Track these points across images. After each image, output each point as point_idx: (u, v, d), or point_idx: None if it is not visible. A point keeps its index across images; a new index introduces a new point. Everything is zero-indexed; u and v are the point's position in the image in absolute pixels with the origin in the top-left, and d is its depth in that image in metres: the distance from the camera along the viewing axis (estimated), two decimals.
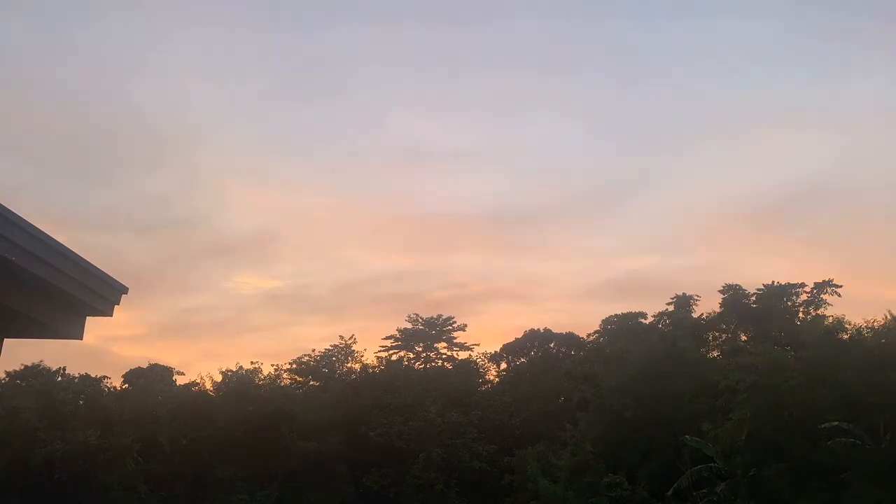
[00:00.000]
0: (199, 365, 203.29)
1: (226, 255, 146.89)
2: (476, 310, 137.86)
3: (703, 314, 79.29)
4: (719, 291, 77.77)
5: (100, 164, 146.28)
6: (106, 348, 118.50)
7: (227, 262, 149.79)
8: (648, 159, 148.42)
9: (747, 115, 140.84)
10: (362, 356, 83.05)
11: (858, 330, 55.14)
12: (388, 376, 78.11)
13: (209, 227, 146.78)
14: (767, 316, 73.73)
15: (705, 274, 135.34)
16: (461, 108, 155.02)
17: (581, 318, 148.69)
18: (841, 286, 74.61)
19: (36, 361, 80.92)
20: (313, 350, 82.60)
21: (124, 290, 6.62)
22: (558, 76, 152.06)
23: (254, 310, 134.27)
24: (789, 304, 75.84)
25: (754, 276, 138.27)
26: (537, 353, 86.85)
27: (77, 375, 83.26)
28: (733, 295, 76.71)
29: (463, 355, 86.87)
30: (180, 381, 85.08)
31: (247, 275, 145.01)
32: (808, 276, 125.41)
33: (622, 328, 79.97)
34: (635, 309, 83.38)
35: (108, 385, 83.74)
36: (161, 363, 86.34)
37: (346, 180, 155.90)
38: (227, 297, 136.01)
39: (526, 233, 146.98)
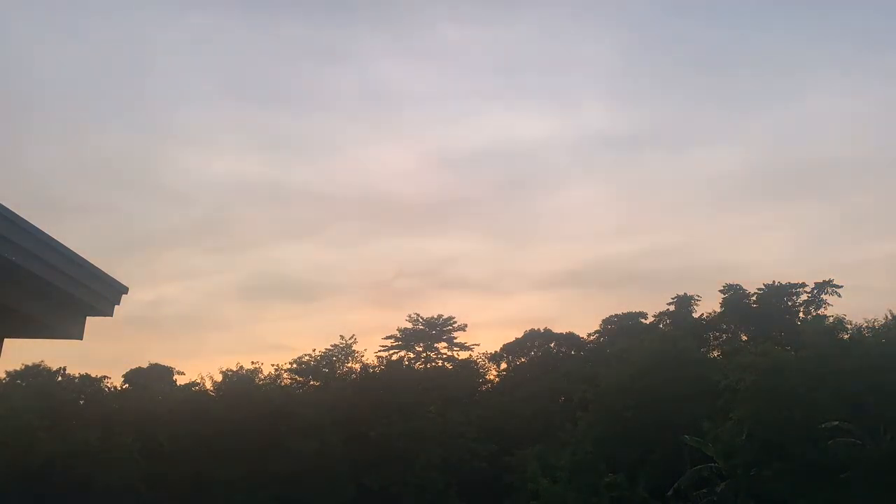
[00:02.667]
0: (172, 363, 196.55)
1: (178, 238, 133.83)
2: (446, 298, 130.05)
3: (703, 314, 79.41)
4: (720, 291, 77.93)
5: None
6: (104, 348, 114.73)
7: (180, 246, 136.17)
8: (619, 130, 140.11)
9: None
10: (362, 356, 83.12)
11: (859, 329, 55.15)
12: (389, 376, 78.08)
13: (152, 208, 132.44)
14: (768, 316, 73.81)
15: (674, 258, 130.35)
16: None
17: (550, 310, 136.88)
18: (841, 286, 74.72)
19: (36, 361, 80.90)
20: (314, 350, 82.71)
21: (124, 289, 6.61)
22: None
23: (220, 300, 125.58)
24: (790, 303, 75.92)
25: (733, 257, 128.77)
26: (537, 353, 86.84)
27: (77, 375, 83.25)
28: (734, 295, 76.78)
29: (463, 355, 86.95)
30: (180, 380, 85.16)
31: (204, 262, 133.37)
32: (780, 258, 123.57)
33: (622, 328, 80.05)
34: (595, 294, 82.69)
35: (108, 385, 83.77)
36: (159, 363, 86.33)
37: (300, 147, 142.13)
38: (189, 288, 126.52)
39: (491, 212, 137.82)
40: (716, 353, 73.53)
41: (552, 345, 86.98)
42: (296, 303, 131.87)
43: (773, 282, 76.54)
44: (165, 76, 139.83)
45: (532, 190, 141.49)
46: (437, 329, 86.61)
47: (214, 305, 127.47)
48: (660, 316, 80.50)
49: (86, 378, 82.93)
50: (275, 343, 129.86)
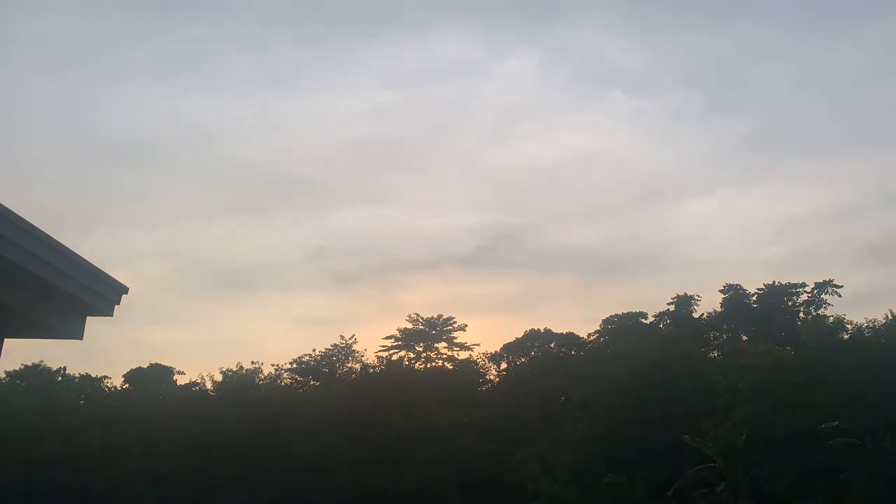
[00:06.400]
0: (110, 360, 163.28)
1: (95, 212, 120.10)
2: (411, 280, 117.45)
3: (703, 314, 79.42)
4: (720, 291, 78.01)
5: None
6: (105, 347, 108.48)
7: (101, 223, 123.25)
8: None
9: None
10: (363, 356, 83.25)
11: (859, 329, 55.16)
12: (389, 376, 78.13)
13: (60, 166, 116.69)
14: (768, 316, 73.81)
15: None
16: None
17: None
18: (842, 286, 74.72)
19: (36, 361, 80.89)
20: (314, 349, 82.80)
21: (125, 289, 6.61)
22: None
23: (159, 290, 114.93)
24: (790, 303, 75.94)
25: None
26: (537, 353, 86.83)
27: (77, 375, 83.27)
28: (734, 295, 76.82)
29: (463, 355, 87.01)
30: (180, 380, 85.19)
31: (132, 243, 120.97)
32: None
33: (622, 328, 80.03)
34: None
35: (108, 385, 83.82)
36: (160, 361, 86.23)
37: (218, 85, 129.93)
38: (125, 276, 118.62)
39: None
40: (716, 353, 73.50)
41: (552, 345, 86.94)
42: (239, 290, 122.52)
43: (774, 282, 76.66)
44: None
45: (512, 139, 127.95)
46: (437, 329, 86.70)
47: (153, 295, 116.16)
48: (660, 316, 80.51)
49: (86, 378, 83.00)
50: (233, 337, 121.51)
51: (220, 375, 79.01)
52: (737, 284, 77.63)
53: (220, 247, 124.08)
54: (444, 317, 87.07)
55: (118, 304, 6.67)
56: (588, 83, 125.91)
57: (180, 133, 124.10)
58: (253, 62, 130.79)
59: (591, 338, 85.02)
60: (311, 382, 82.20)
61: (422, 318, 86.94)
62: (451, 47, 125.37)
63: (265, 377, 80.00)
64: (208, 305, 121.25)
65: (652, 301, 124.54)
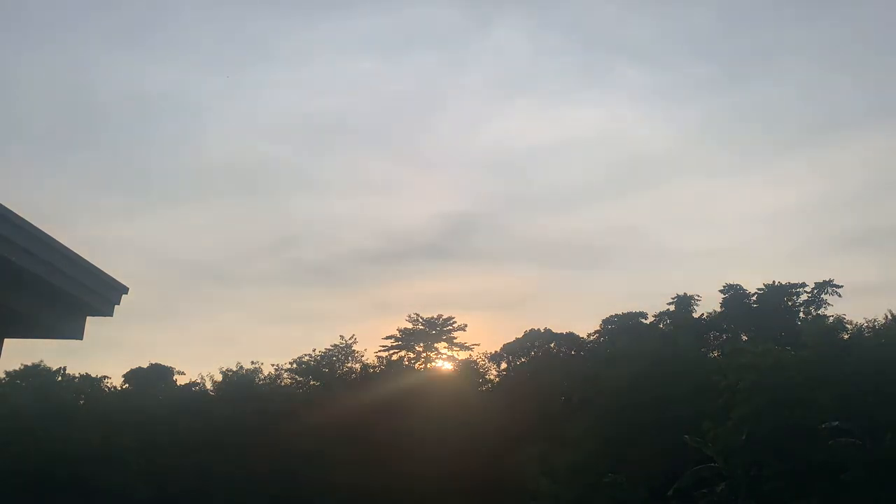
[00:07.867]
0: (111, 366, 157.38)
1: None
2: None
3: (703, 314, 79.44)
4: (720, 291, 78.02)
5: None
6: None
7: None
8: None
9: None
10: (363, 356, 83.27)
11: (859, 329, 55.17)
12: (389, 376, 78.15)
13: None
14: (768, 316, 73.82)
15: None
16: None
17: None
18: (842, 286, 74.73)
19: (36, 361, 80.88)
20: (314, 349, 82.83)
21: (125, 289, 6.61)
22: None
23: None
24: (790, 303, 75.96)
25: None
26: (537, 352, 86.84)
27: (77, 375, 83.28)
28: (734, 295, 76.82)
29: (463, 355, 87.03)
30: (180, 380, 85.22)
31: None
32: None
33: (622, 328, 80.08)
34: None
35: (108, 385, 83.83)
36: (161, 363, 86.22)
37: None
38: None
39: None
40: (716, 353, 73.49)
41: (552, 345, 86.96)
42: (210, 285, 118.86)
43: (773, 282, 76.69)
44: None
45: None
46: (437, 329, 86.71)
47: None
48: (660, 316, 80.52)
49: (86, 378, 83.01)
50: (205, 333, 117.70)
51: (220, 375, 79.14)
52: (737, 284, 77.70)
53: (192, 239, 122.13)
54: (443, 317, 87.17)
55: (118, 304, 6.67)
56: (584, 55, 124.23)
57: (140, 112, 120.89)
58: (219, 33, 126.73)
59: (591, 338, 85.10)
60: (311, 382, 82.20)
61: (421, 317, 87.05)
62: (430, 13, 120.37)
63: (265, 377, 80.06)
64: (179, 301, 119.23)
65: (648, 293, 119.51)
